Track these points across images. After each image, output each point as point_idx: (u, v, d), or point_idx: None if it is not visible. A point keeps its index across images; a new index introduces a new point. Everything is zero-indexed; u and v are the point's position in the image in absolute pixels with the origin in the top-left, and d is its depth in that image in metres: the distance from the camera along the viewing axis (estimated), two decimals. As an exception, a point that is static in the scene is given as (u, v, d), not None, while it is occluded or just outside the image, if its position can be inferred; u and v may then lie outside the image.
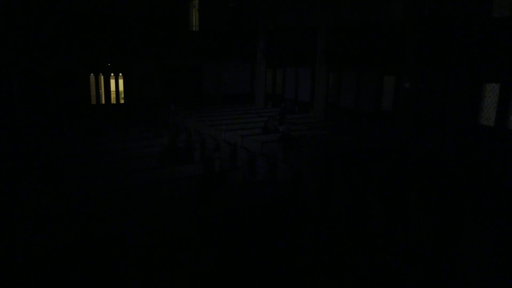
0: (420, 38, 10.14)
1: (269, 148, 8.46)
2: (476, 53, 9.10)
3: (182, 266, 4.32)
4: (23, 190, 5.74)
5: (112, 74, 15.49)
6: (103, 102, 15.66)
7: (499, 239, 4.62)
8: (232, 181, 6.77)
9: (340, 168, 7.01)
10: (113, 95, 16.07)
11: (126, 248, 4.57)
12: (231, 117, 12.92)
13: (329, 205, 6.78)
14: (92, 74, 15.14)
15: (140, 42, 14.60)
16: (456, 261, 4.68)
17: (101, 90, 15.79)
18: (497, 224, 5.08)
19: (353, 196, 6.27)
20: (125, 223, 5.02)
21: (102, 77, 15.43)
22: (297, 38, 14.53)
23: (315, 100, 13.70)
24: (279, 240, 5.00)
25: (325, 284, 4.41)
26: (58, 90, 14.28)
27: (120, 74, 15.68)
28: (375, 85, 12.52)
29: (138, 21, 15.26)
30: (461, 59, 9.45)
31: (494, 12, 9.42)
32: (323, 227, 6.03)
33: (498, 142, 9.38)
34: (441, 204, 5.71)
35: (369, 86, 12.76)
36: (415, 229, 5.26)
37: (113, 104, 15.89)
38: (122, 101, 16.22)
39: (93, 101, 15.58)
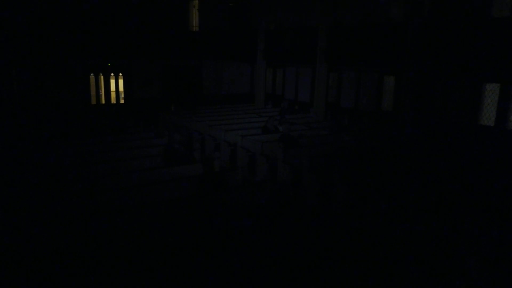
0: (420, 38, 10.14)
1: (269, 148, 8.46)
2: (476, 53, 9.10)
3: (182, 266, 4.32)
4: (23, 190, 5.74)
5: (112, 74, 15.49)
6: (103, 102, 15.66)
7: (499, 239, 4.62)
8: (232, 181, 6.77)
9: (340, 168, 7.01)
10: (113, 95, 16.08)
11: (126, 248, 4.57)
12: (231, 117, 12.92)
13: (329, 205, 6.78)
14: (92, 74, 15.14)
15: (140, 42, 14.60)
16: (456, 261, 4.68)
17: (101, 90, 15.80)
18: (497, 224, 5.08)
19: (353, 196, 6.27)
20: (125, 223, 5.02)
21: (102, 77, 15.44)
22: (297, 38, 14.52)
23: (315, 100, 13.69)
24: (279, 240, 5.00)
25: (324, 283, 4.41)
26: (58, 90, 14.29)
27: (120, 74, 15.68)
28: (375, 85, 12.53)
29: (138, 21, 15.27)
30: (461, 59, 9.45)
31: (494, 12, 9.42)
32: (323, 227, 6.03)
33: (498, 142, 9.38)
34: (441, 204, 5.71)
35: (369, 86, 12.76)
36: (416, 228, 5.26)
37: (113, 104, 15.89)
38: (122, 101, 16.23)
39: (93, 101, 15.59)
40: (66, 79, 14.45)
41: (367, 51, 11.61)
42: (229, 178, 6.71)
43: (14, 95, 13.30)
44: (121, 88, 16.12)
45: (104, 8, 14.76)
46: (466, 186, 6.49)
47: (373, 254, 4.99)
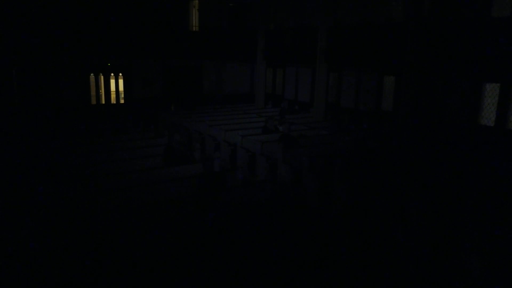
0: (420, 38, 10.13)
1: (269, 148, 8.46)
2: (476, 53, 9.09)
3: (182, 266, 4.32)
4: (23, 190, 5.74)
5: (112, 74, 15.48)
6: (103, 102, 15.66)
7: (498, 239, 4.62)
8: (232, 181, 6.77)
9: (340, 168, 7.01)
10: (113, 95, 16.07)
11: (126, 248, 4.57)
12: (231, 117, 12.93)
13: (329, 205, 6.79)
14: (92, 74, 15.14)
15: (140, 42, 14.59)
16: (456, 261, 4.68)
17: (101, 90, 15.79)
18: (497, 224, 5.08)
19: (353, 196, 6.27)
20: (125, 223, 5.02)
21: (102, 77, 15.43)
22: (297, 38, 14.53)
23: (315, 100, 13.70)
24: (279, 239, 5.00)
25: (324, 283, 4.41)
26: (58, 90, 14.29)
27: (120, 74, 15.68)
28: (375, 85, 12.53)
29: (138, 21, 15.26)
30: (461, 59, 9.45)
31: (494, 12, 9.42)
32: (323, 226, 6.04)
33: (498, 142, 9.37)
34: (441, 204, 5.71)
35: (369, 86, 12.76)
36: (416, 229, 5.26)
37: (113, 104, 15.89)
38: (122, 101, 16.23)
39: (93, 101, 15.59)
40: (66, 79, 14.44)
41: (367, 51, 11.61)
42: (229, 178, 6.71)
43: (14, 95, 13.29)
44: (121, 88, 16.12)
45: (104, 8, 14.75)
46: (466, 186, 6.49)
47: (373, 254, 5.00)
